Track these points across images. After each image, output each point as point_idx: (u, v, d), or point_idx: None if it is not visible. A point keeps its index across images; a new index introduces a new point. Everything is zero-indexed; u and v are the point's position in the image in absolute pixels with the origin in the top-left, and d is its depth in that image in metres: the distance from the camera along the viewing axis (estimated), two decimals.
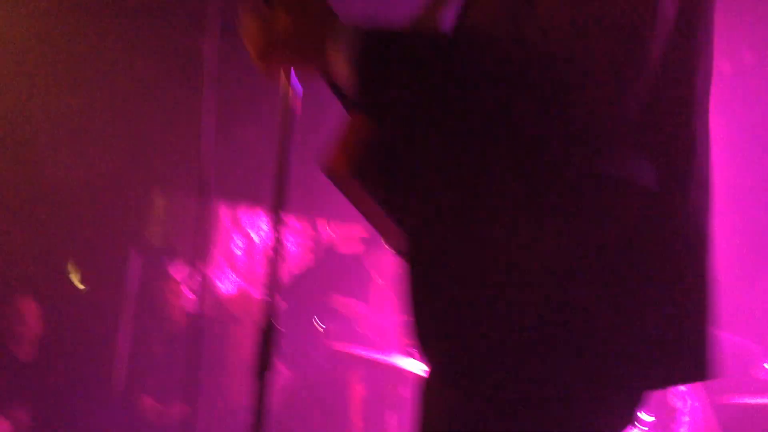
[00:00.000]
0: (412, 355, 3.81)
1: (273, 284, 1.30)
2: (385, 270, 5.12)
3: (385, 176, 1.27)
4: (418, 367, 3.85)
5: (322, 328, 5.10)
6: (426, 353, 1.19)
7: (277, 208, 1.38)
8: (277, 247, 1.37)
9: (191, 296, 5.30)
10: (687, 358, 1.13)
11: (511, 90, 1.03)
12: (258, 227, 6.68)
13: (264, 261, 6.45)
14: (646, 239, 1.10)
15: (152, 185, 6.06)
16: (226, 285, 6.39)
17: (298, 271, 6.04)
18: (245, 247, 6.64)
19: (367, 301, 5.19)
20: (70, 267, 5.48)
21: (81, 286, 5.44)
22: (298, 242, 6.58)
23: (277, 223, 1.39)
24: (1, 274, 4.94)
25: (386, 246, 1.45)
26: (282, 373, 5.00)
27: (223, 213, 6.59)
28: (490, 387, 1.11)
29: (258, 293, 6.06)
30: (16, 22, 4.82)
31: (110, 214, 5.48)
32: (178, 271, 5.47)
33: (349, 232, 5.97)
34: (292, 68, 1.30)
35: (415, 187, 1.23)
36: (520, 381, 1.08)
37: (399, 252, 1.32)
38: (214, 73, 3.41)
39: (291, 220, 6.62)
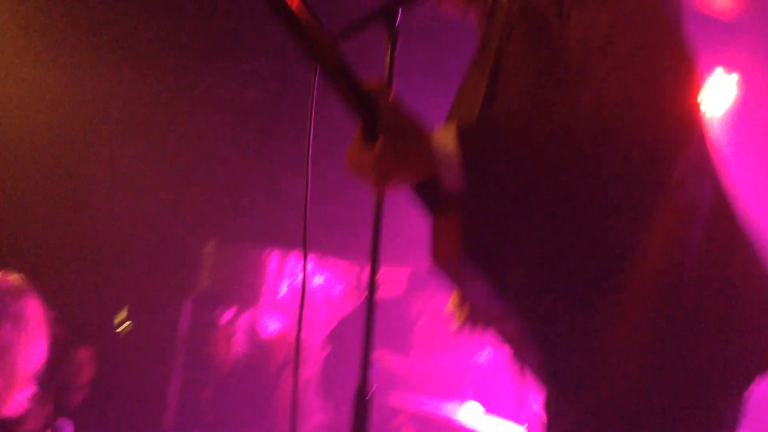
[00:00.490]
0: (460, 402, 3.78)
1: (367, 352, 1.41)
2: (431, 311, 5.12)
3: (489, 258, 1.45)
4: (463, 414, 3.84)
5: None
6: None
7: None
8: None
9: (240, 342, 5.39)
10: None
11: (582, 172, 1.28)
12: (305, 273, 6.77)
13: (312, 306, 6.54)
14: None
15: (205, 234, 6.21)
16: (274, 330, 6.48)
17: (342, 316, 6.11)
18: (290, 291, 6.75)
19: (408, 350, 5.16)
20: (121, 312, 5.62)
21: (127, 326, 5.56)
22: (343, 287, 6.66)
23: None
24: (61, 323, 5.08)
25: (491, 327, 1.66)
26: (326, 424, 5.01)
27: (272, 260, 6.72)
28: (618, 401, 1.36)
29: (301, 337, 6.13)
30: (74, 73, 5.01)
31: (164, 262, 5.62)
32: (228, 318, 5.58)
33: (391, 276, 6.02)
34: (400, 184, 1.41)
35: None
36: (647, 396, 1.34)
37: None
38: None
39: (337, 263, 6.72)
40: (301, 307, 1.54)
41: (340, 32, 1.56)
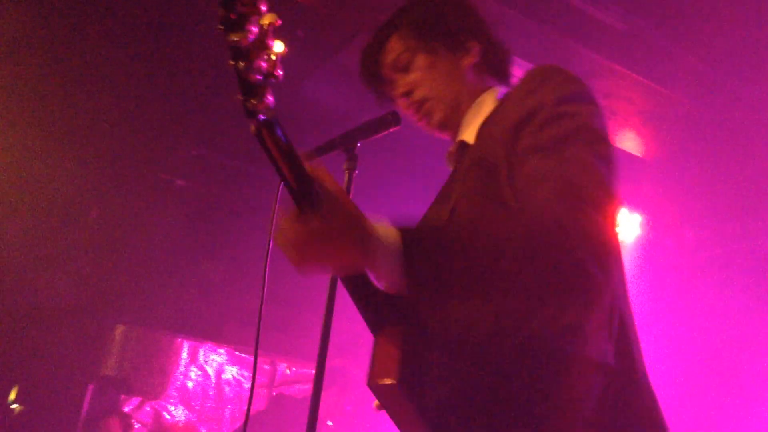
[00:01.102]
0: None
1: None
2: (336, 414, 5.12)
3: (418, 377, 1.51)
4: None
5: None
6: None
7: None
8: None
9: (140, 430, 5.24)
10: None
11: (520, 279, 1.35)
12: (212, 362, 6.67)
13: (216, 397, 6.41)
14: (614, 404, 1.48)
15: (115, 317, 6.09)
16: (177, 419, 6.31)
17: (252, 411, 5.99)
18: (199, 382, 6.61)
19: None
20: (12, 391, 5.41)
21: (17, 408, 5.35)
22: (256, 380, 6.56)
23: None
24: None
25: None
26: None
27: (182, 349, 6.60)
28: None
29: (206, 428, 5.99)
30: None
31: (70, 343, 5.48)
32: (131, 406, 5.43)
33: (304, 376, 5.99)
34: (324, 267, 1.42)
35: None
36: None
37: None
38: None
39: (250, 358, 6.63)
40: (249, 404, 1.56)
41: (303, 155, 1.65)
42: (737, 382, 5.11)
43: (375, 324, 1.61)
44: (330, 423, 5.12)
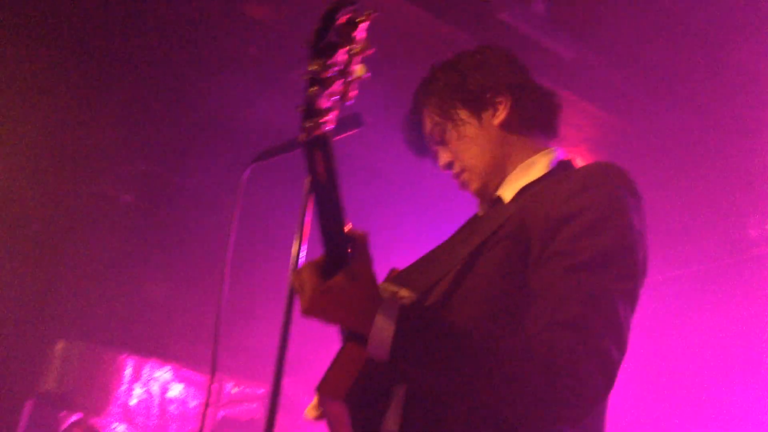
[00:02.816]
0: None
1: None
2: None
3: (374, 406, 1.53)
4: None
5: None
6: None
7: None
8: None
9: None
10: None
11: (512, 390, 1.39)
12: (157, 379, 6.56)
13: (160, 414, 6.30)
14: None
15: (55, 331, 5.96)
16: None
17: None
18: (143, 400, 6.48)
19: None
20: None
21: None
22: (199, 401, 6.47)
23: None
24: None
25: None
26: None
27: (125, 365, 6.47)
28: None
29: None
30: None
31: (6, 357, 5.34)
32: (71, 423, 5.30)
33: (248, 395, 5.92)
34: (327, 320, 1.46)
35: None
36: None
37: None
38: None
39: (195, 375, 6.55)
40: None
41: (265, 153, 1.65)
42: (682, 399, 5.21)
43: (348, 333, 1.62)
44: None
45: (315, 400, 1.81)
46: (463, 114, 1.88)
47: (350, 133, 1.96)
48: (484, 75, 1.90)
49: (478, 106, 1.88)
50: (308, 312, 1.39)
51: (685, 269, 5.42)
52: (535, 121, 1.92)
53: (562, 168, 1.83)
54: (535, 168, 1.83)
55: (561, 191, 1.60)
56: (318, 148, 1.23)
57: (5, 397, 5.30)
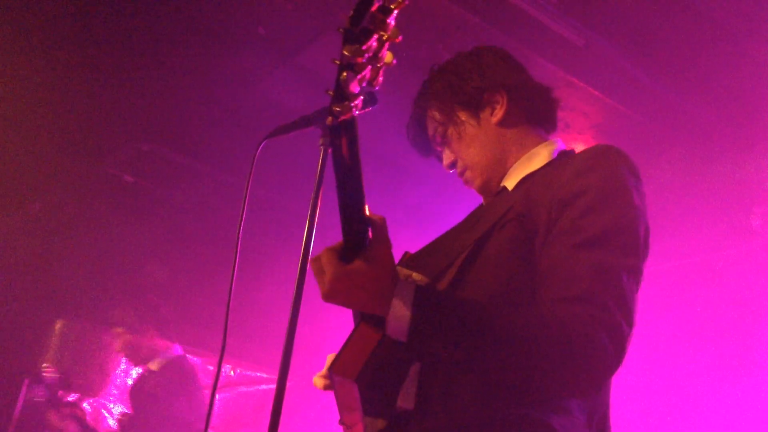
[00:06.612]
0: None
1: None
2: None
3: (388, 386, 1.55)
4: None
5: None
6: None
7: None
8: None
9: (74, 429, 5.11)
10: None
11: (526, 361, 1.42)
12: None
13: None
14: None
15: (54, 311, 5.95)
16: (116, 420, 6.18)
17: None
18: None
19: None
20: None
21: None
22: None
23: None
24: None
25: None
26: None
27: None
28: None
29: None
30: None
31: (6, 337, 5.33)
32: (68, 402, 5.30)
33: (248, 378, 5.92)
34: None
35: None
36: None
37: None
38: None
39: (195, 359, 6.54)
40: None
41: (278, 130, 1.65)
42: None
43: (360, 314, 1.62)
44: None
45: (324, 369, 1.86)
46: (462, 115, 1.96)
47: (366, 110, 1.95)
48: (481, 76, 1.97)
49: (476, 106, 1.95)
50: (329, 296, 1.40)
51: (687, 259, 5.41)
52: (533, 116, 1.99)
53: (563, 157, 1.89)
54: (537, 159, 1.90)
55: (564, 174, 1.67)
56: (345, 132, 1.25)
57: (3, 376, 5.30)
